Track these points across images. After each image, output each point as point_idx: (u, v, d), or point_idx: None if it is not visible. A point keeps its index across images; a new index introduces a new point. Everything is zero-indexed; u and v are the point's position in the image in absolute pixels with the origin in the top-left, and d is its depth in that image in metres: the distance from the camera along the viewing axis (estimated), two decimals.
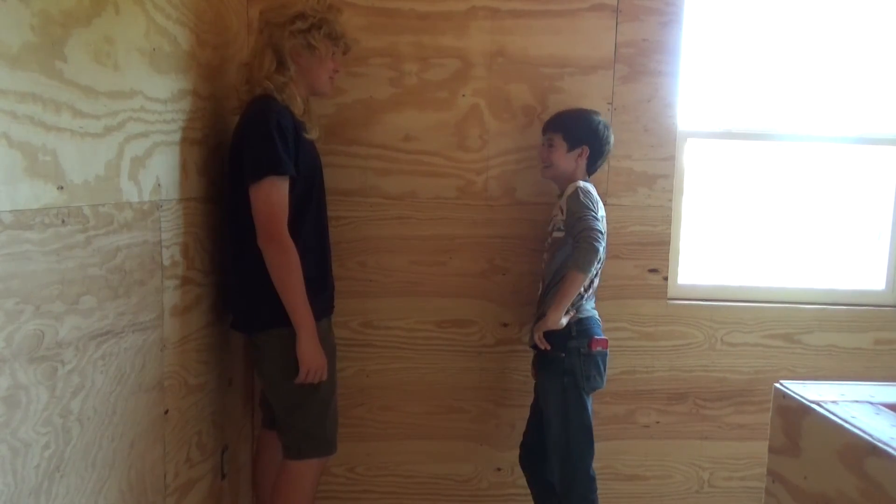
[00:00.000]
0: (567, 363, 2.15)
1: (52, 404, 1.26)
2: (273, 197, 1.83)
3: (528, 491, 2.57)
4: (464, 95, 2.46)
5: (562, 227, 2.21)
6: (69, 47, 1.28)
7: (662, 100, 2.48)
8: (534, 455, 2.37)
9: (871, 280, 2.67)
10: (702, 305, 2.59)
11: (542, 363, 2.25)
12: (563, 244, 2.20)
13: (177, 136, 1.79)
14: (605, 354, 2.21)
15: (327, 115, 2.40)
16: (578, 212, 2.12)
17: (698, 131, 2.58)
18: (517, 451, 2.59)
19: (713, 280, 2.66)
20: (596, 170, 2.33)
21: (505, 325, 2.56)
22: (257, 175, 1.83)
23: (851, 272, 2.73)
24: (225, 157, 2.01)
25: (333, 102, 2.40)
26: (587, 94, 2.47)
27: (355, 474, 2.60)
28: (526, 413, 2.57)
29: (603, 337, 2.20)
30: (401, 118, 2.46)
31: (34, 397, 1.21)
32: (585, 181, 2.26)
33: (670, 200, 2.53)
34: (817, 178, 2.70)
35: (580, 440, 2.20)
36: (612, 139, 2.32)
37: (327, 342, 2.00)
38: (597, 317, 2.25)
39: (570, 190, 2.21)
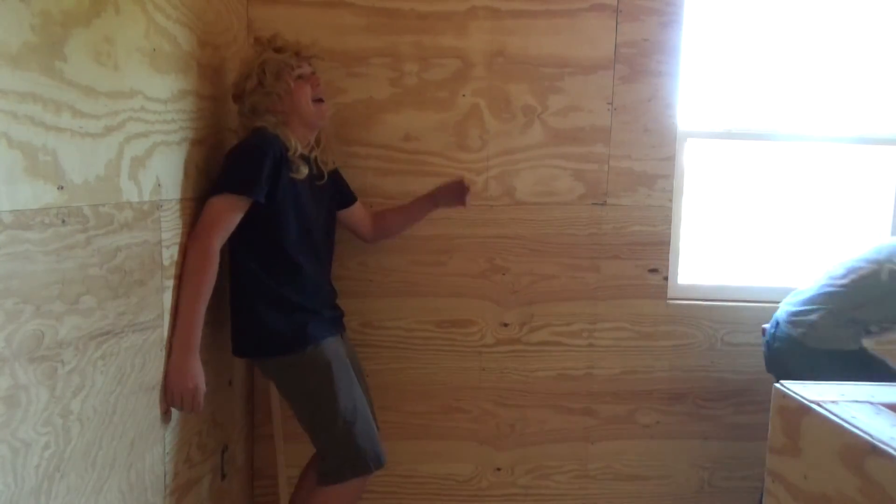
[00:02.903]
0: None
1: (52, 404, 1.26)
2: (219, 207, 1.83)
3: (528, 492, 2.58)
4: (464, 95, 2.46)
5: None
6: (69, 47, 1.28)
7: (662, 100, 2.48)
8: None
9: None
10: (702, 305, 2.59)
11: None
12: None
13: (177, 136, 1.79)
14: None
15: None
16: None
17: (698, 131, 2.58)
18: (517, 451, 2.60)
19: (713, 280, 2.66)
20: None
21: (505, 324, 2.56)
22: (218, 188, 1.85)
23: None
24: (223, 157, 2.02)
25: (333, 103, 2.39)
26: (587, 95, 2.47)
27: None
28: (525, 413, 2.58)
29: None
30: (401, 118, 2.46)
31: (34, 397, 1.21)
32: None
33: (670, 200, 2.53)
34: (817, 178, 2.70)
35: None
36: None
37: (338, 358, 1.98)
38: None
39: None
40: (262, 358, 1.99)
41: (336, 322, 2.12)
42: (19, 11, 1.15)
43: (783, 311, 2.26)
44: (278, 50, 1.98)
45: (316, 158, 2.08)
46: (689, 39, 2.49)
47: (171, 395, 1.71)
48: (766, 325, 2.33)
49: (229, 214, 1.83)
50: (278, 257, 1.92)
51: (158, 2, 1.65)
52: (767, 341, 2.30)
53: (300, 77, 1.99)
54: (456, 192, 2.26)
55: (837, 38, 2.59)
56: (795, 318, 2.20)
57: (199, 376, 1.73)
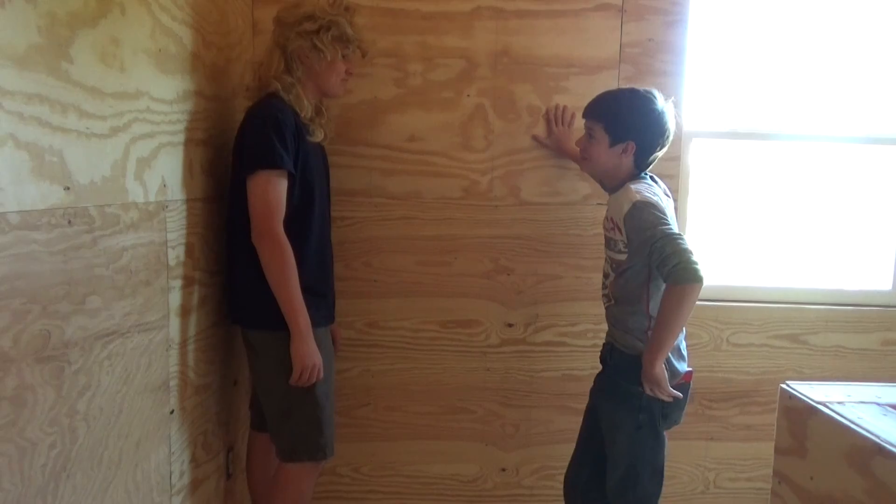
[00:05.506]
0: (645, 399, 1.87)
1: (58, 404, 1.27)
2: (267, 191, 1.83)
3: (533, 492, 2.57)
4: (468, 95, 2.46)
5: (623, 249, 1.92)
6: (75, 48, 1.29)
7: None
8: (586, 494, 2.10)
9: (878, 280, 2.66)
10: (707, 306, 2.58)
11: (612, 392, 1.98)
12: (630, 265, 1.92)
13: (182, 137, 1.79)
14: (689, 387, 1.95)
15: (332, 116, 2.40)
16: (647, 234, 1.81)
17: (704, 131, 2.57)
18: (522, 452, 2.59)
19: (719, 280, 2.65)
20: (651, 164, 2.00)
21: (510, 325, 2.56)
22: (251, 167, 1.84)
23: (858, 272, 2.72)
24: (229, 157, 2.02)
25: (338, 103, 2.40)
26: (592, 95, 2.44)
27: (360, 474, 2.60)
28: (530, 413, 2.57)
29: (689, 369, 1.94)
30: (406, 118, 2.46)
31: (41, 397, 1.22)
32: (637, 181, 1.93)
33: (676, 201, 2.52)
34: (823, 178, 2.69)
35: (649, 486, 1.94)
36: (670, 128, 1.95)
37: (324, 348, 1.98)
38: (682, 344, 1.98)
39: (624, 207, 1.88)
40: (261, 329, 1.98)
41: (331, 312, 2.12)
42: (26, 13, 1.16)
43: None
44: (349, 23, 2.01)
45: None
46: (695, 39, 2.48)
47: (300, 374, 1.89)
48: None
49: (277, 193, 1.84)
50: (291, 231, 1.90)
51: (164, 3, 1.66)
52: None
53: (345, 56, 2.02)
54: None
55: (843, 37, 2.58)
56: None
57: (316, 355, 1.90)
